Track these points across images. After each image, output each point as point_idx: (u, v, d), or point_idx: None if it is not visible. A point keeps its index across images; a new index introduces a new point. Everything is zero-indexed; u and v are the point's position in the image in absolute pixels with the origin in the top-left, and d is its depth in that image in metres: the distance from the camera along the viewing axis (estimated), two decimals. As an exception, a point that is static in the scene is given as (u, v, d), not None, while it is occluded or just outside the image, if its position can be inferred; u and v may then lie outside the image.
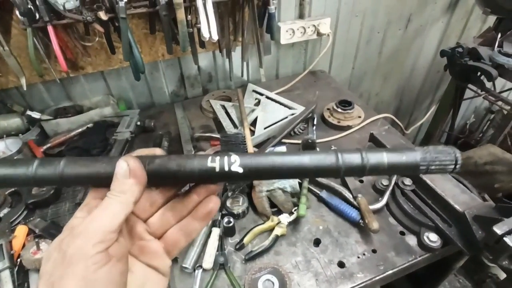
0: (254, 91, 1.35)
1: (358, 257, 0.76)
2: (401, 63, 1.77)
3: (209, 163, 0.30)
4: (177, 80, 1.31)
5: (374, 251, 0.77)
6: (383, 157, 0.30)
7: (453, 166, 0.30)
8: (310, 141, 1.01)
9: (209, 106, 1.24)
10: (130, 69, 1.05)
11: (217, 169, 0.29)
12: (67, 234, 0.26)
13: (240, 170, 0.30)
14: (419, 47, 1.74)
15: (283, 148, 0.96)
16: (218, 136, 1.08)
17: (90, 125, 1.12)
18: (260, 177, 0.31)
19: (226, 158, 0.30)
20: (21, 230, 0.79)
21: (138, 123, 1.13)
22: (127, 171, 0.27)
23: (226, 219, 0.79)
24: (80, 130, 1.11)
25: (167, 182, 0.32)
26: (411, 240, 0.79)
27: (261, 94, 1.32)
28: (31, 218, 0.84)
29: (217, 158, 0.30)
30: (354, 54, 1.61)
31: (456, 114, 1.61)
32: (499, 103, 1.43)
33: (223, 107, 1.22)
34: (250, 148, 0.93)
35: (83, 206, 0.29)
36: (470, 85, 1.47)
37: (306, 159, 0.30)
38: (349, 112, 1.14)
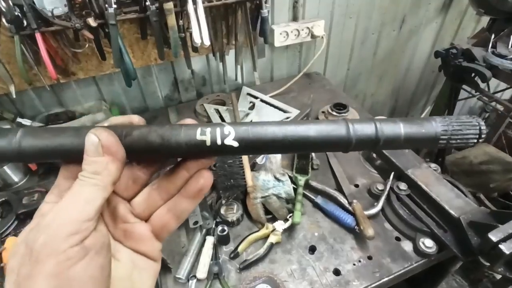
0: (248, 94, 1.34)
1: (354, 264, 0.75)
2: (396, 63, 1.77)
3: (199, 136, 0.26)
4: (170, 84, 1.30)
5: (369, 257, 0.76)
6: (400, 128, 0.27)
7: (475, 139, 0.28)
8: (304, 145, 1.00)
9: (203, 110, 1.23)
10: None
11: (208, 143, 0.26)
12: (35, 223, 0.23)
13: (235, 144, 0.26)
14: (414, 48, 1.74)
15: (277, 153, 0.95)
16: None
17: (82, 131, 1.10)
18: (258, 151, 0.28)
19: (218, 129, 0.26)
20: (11, 242, 0.78)
21: (131, 129, 1.11)
22: (99, 147, 0.23)
23: (220, 228, 0.78)
24: (72, 137, 1.09)
25: (149, 158, 0.28)
26: (407, 245, 0.79)
27: (256, 97, 1.31)
28: (22, 229, 0.82)
29: (208, 129, 0.26)
30: (349, 56, 1.60)
31: (451, 115, 1.61)
32: (493, 103, 1.44)
33: (217, 111, 1.21)
34: (245, 156, 0.92)
35: (53, 189, 0.25)
36: (464, 86, 1.47)
37: (312, 130, 0.27)
38: (344, 116, 1.14)
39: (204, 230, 0.79)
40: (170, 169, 0.28)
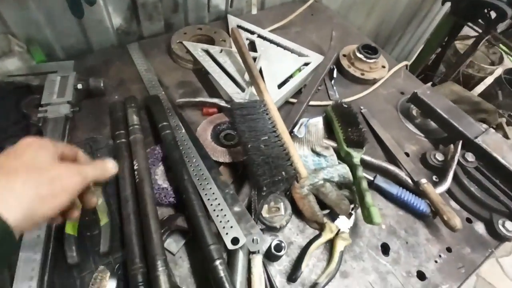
0: (240, 27, 0.97)
1: (436, 261, 0.61)
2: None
3: None
4: (126, 9, 0.84)
5: (448, 249, 0.63)
6: None
7: None
8: (345, 105, 0.76)
9: (185, 52, 0.85)
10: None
11: None
12: None
13: None
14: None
15: (319, 120, 0.69)
16: (215, 101, 0.74)
17: (-14, 91, 0.65)
18: None
19: None
20: None
21: (79, 86, 0.69)
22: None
23: (275, 242, 0.54)
24: (-32, 101, 0.63)
25: None
26: (480, 228, 0.67)
27: (252, 32, 0.96)
28: None
29: None
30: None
31: (443, 54, 1.51)
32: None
33: (207, 53, 0.84)
34: (280, 122, 0.64)
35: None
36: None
37: None
38: (376, 62, 0.90)
39: (246, 248, 0.54)
40: None
